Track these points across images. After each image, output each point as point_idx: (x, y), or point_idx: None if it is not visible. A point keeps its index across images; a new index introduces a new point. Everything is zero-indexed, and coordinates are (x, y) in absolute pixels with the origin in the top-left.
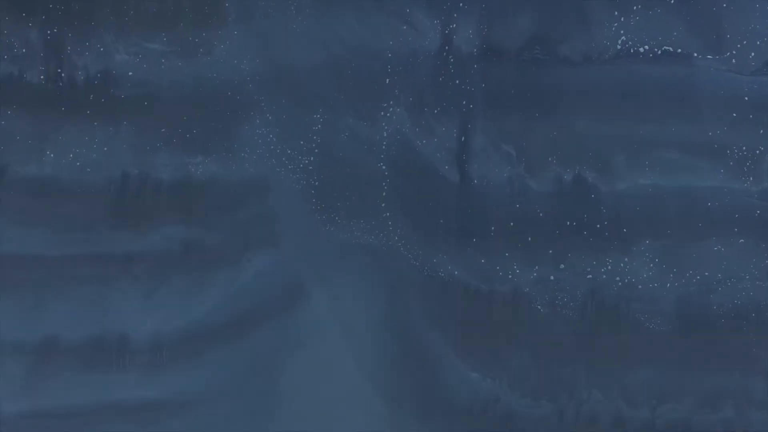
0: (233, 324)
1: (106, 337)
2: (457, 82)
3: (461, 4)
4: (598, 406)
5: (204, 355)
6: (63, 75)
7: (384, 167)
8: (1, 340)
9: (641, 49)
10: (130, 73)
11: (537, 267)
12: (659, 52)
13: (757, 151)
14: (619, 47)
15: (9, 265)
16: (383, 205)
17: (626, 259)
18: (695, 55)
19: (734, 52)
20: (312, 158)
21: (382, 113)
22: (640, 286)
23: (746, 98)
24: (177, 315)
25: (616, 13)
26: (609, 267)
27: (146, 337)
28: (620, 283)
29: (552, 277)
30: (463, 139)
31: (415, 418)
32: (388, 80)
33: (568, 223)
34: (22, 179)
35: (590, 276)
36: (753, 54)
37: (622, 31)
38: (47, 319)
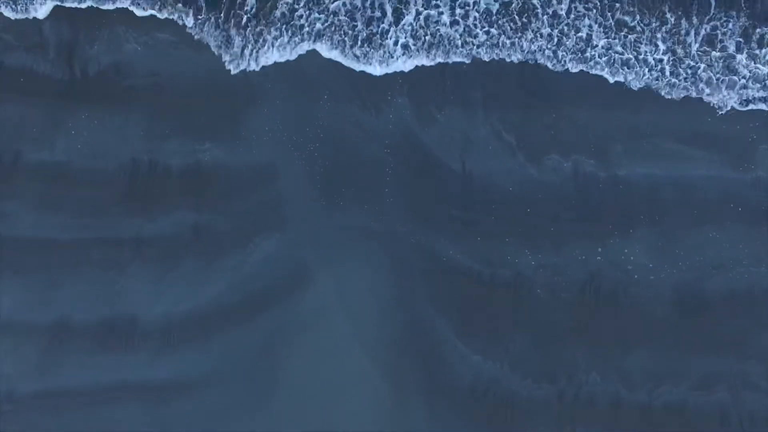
0: (241, 307)
1: (117, 319)
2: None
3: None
4: (597, 388)
5: (212, 337)
6: (75, 65)
7: (388, 153)
8: (15, 322)
9: None
10: (141, 63)
11: (537, 253)
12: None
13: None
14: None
15: (23, 249)
16: (387, 190)
17: (624, 246)
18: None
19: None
20: (318, 145)
21: (387, 101)
22: (637, 272)
23: None
24: (186, 298)
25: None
26: (607, 253)
27: (156, 319)
28: (618, 269)
29: (552, 263)
30: (465, 127)
31: (418, 399)
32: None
33: (568, 210)
34: (36, 166)
35: (589, 262)
36: None
37: None
38: (60, 302)
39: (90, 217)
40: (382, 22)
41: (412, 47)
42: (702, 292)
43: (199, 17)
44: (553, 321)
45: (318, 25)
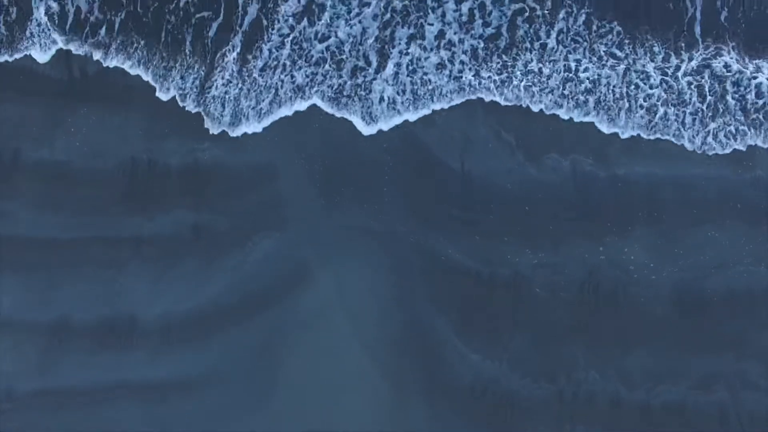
0: (241, 306)
1: (117, 319)
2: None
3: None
4: (596, 388)
5: (212, 336)
6: (75, 64)
7: (387, 154)
8: (15, 321)
9: None
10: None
11: (537, 252)
12: None
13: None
14: None
15: (22, 248)
16: (386, 190)
17: (623, 245)
18: None
19: None
20: (317, 145)
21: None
22: (636, 271)
23: None
24: (186, 297)
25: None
26: (606, 252)
27: (156, 318)
28: (617, 268)
29: (551, 262)
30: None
31: (417, 398)
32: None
33: (567, 209)
34: (35, 165)
35: (588, 261)
36: None
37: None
38: (60, 301)
39: (89, 216)
40: (367, 72)
41: (399, 102)
42: (701, 292)
43: (181, 90)
44: (552, 320)
45: (300, 79)
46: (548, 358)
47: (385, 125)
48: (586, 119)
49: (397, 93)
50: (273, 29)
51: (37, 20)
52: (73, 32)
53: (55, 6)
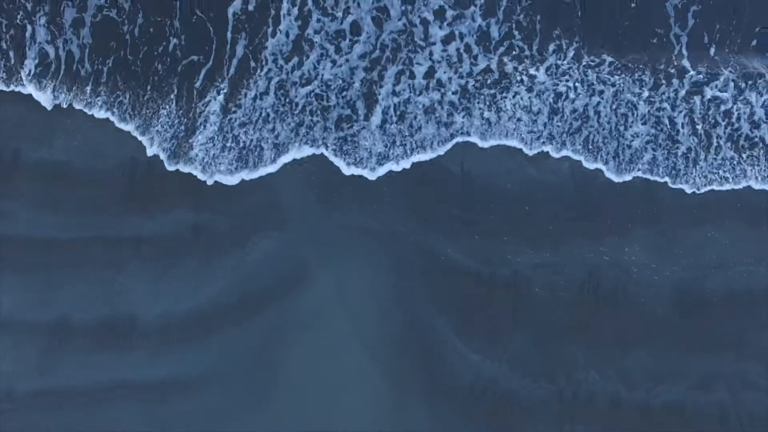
0: (240, 306)
1: (116, 318)
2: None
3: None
4: (596, 388)
5: (212, 336)
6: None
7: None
8: (14, 320)
9: None
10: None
11: (536, 252)
12: None
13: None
14: None
15: (22, 248)
16: (386, 189)
17: (623, 245)
18: None
19: None
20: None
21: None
22: (636, 271)
23: None
24: (186, 297)
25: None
26: (606, 252)
27: (156, 318)
28: (617, 268)
29: (551, 262)
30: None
31: (417, 398)
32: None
33: (567, 209)
34: (35, 165)
35: (588, 261)
36: None
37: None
38: (60, 301)
39: (89, 216)
40: (354, 122)
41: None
42: (702, 292)
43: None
44: (552, 320)
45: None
46: (548, 358)
47: (372, 175)
48: (575, 157)
49: (386, 145)
50: (261, 71)
51: (28, 69)
52: (61, 86)
53: (49, 49)
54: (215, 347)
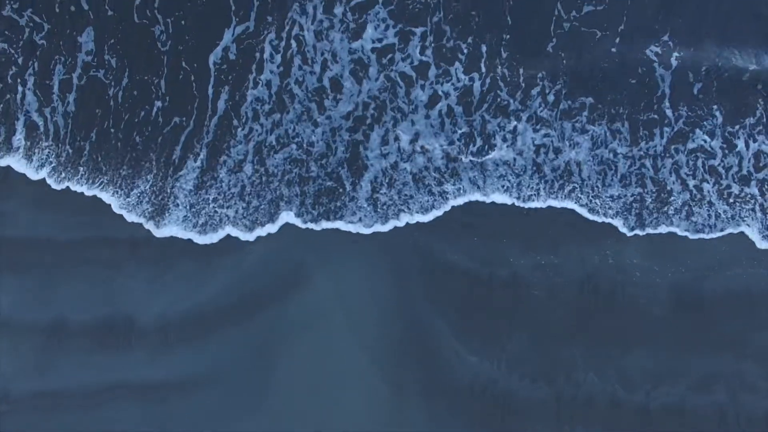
0: (239, 307)
1: (115, 319)
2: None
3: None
4: (595, 388)
5: (211, 336)
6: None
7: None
8: (13, 321)
9: None
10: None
11: (535, 253)
12: None
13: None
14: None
15: (20, 248)
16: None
17: (622, 246)
18: None
19: None
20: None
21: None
22: (635, 272)
23: None
24: (183, 298)
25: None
26: (605, 253)
27: (153, 319)
28: (616, 269)
29: (550, 263)
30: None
31: (416, 399)
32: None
33: (566, 210)
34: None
35: (587, 262)
36: None
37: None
38: (58, 301)
39: (89, 217)
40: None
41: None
42: (701, 293)
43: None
44: (551, 321)
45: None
46: (547, 359)
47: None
48: (568, 206)
49: (373, 210)
50: (242, 129)
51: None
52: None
53: (37, 120)
54: (215, 347)
